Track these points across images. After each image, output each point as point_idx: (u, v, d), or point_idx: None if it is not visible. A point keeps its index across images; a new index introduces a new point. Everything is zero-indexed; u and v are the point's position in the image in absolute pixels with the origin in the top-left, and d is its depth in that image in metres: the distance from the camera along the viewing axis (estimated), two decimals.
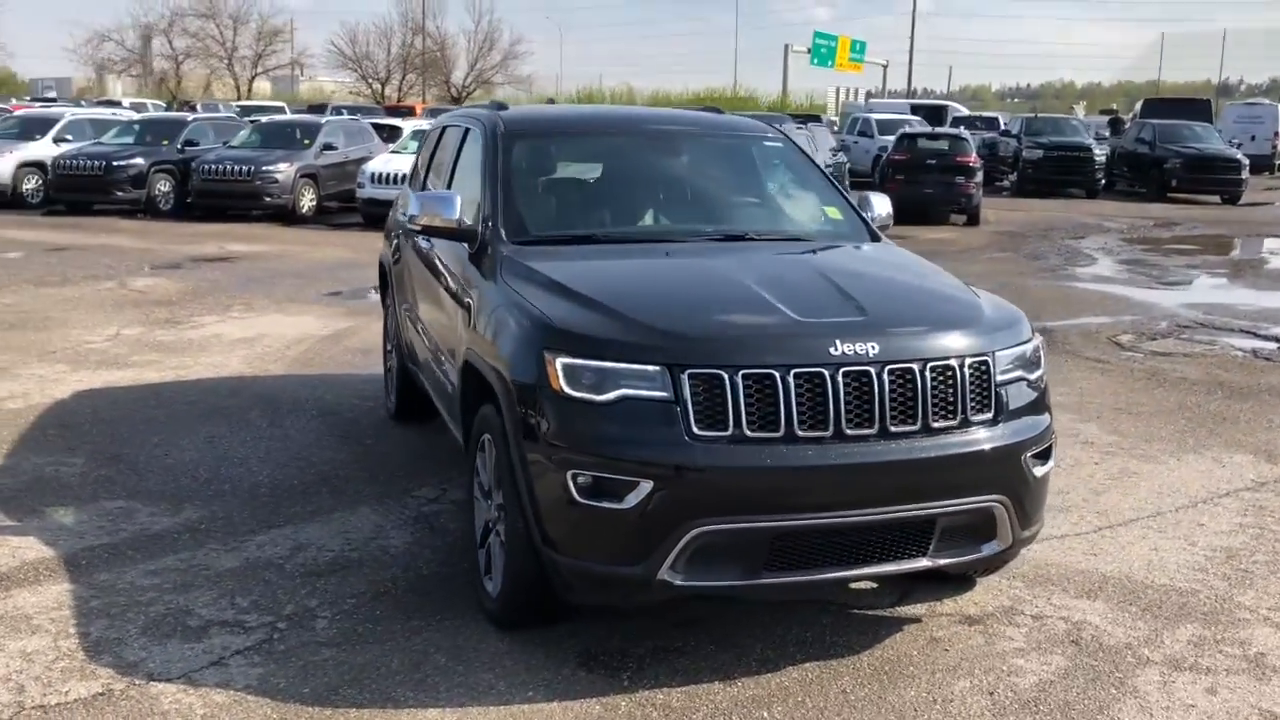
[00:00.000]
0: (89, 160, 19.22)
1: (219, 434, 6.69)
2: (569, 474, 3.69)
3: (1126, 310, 12.33)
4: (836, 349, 3.73)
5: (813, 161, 5.57)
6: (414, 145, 17.18)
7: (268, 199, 18.68)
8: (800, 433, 3.67)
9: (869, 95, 51.21)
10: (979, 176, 20.64)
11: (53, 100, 44.07)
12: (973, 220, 20.78)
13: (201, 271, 13.46)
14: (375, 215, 16.56)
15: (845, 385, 3.71)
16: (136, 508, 5.45)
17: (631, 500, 3.61)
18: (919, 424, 3.79)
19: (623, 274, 4.47)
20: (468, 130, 5.73)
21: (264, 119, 23.60)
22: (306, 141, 19.79)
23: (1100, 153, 28.00)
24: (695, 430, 3.62)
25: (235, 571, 4.74)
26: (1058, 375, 8.79)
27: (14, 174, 19.94)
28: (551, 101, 41.78)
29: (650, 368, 3.66)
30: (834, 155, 23.09)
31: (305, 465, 6.17)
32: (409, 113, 36.58)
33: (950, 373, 3.86)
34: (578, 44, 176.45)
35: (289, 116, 26.19)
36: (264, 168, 18.62)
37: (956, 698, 3.84)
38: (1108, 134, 34.72)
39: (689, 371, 3.64)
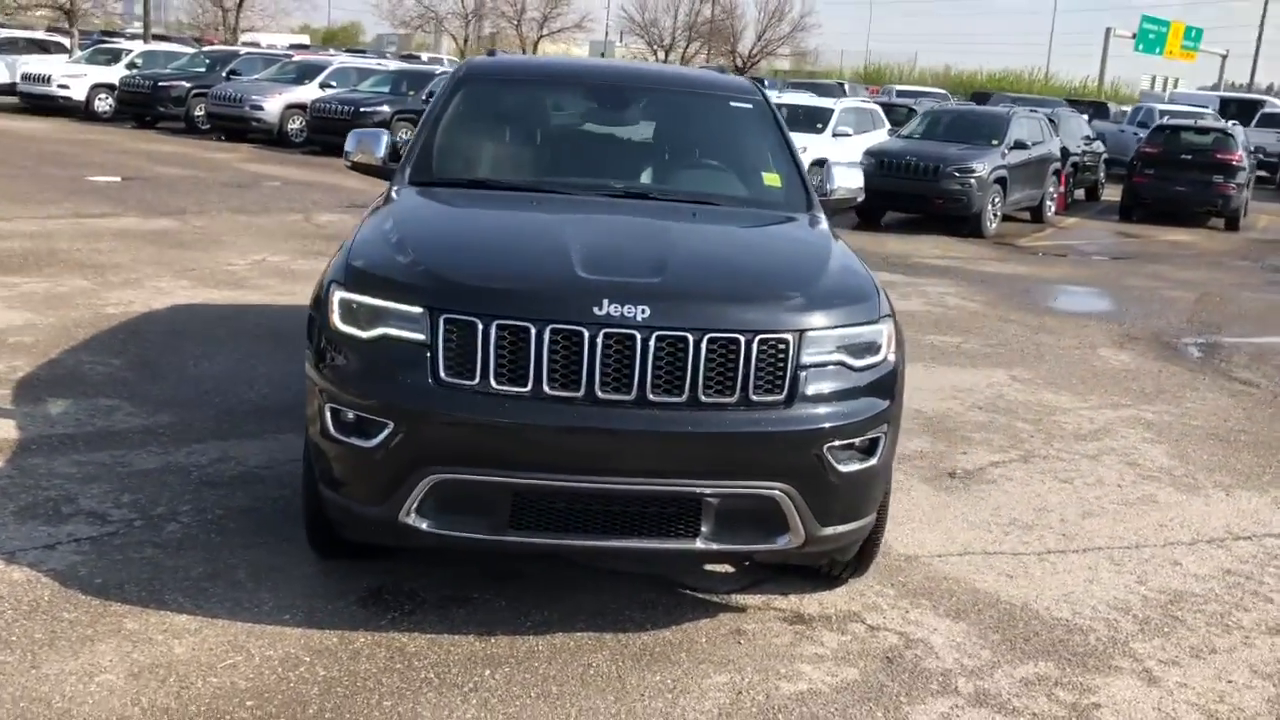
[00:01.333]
0: (340, 105, 20.78)
1: (257, 353, 7.13)
2: (328, 407, 3.73)
3: None
4: (602, 309, 3.55)
5: (781, 129, 5.25)
6: None
7: None
8: (549, 390, 3.53)
9: (1214, 86, 46.95)
10: (1242, 177, 18.55)
11: (389, 55, 47.31)
12: (1231, 225, 18.78)
13: None
14: None
15: (605, 347, 3.53)
16: (122, 407, 5.92)
17: (376, 440, 3.61)
18: (685, 396, 3.56)
19: (459, 220, 4.44)
20: None
21: None
22: None
23: None
24: (443, 376, 3.56)
25: (146, 472, 5.07)
26: (1175, 391, 7.92)
27: (281, 114, 21.87)
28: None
29: (413, 309, 3.62)
30: (1087, 143, 21.51)
31: (305, 390, 6.47)
32: None
33: (734, 347, 3.58)
34: (892, 19, 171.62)
35: None
36: None
37: (696, 691, 3.60)
38: None
39: (445, 316, 3.58)
